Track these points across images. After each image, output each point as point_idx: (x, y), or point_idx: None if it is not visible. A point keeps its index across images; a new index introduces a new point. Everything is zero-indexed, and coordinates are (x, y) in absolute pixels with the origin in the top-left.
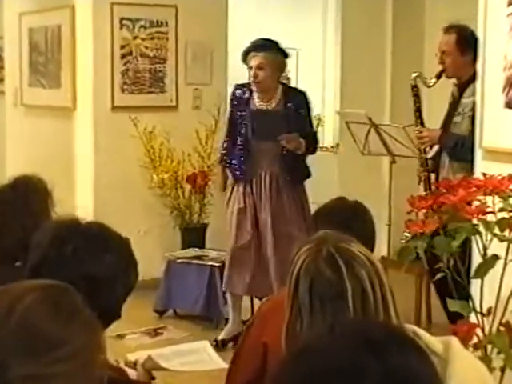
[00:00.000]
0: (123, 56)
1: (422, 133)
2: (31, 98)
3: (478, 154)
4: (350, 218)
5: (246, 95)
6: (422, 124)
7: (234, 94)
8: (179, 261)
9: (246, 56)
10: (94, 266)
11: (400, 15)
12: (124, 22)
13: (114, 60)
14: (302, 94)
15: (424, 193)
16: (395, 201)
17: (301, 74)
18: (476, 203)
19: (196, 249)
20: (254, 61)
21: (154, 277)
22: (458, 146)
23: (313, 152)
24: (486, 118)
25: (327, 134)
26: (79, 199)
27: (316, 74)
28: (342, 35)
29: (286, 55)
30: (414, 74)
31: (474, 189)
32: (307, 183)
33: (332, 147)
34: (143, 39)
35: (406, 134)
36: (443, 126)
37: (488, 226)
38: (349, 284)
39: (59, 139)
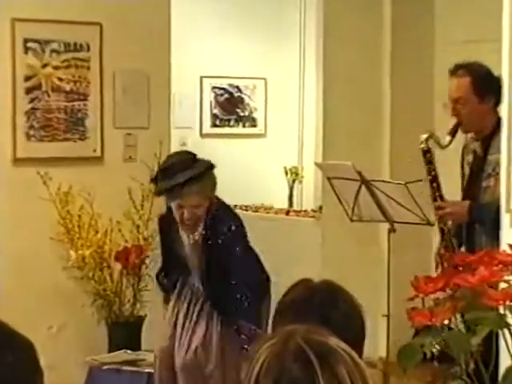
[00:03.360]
0: (29, 90)
1: (444, 209)
2: None
3: (505, 221)
4: (322, 306)
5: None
6: (442, 197)
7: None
8: (106, 367)
9: (170, 192)
10: None
11: (401, 38)
12: (30, 44)
13: (17, 96)
14: (229, 221)
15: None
16: (395, 283)
17: (271, 110)
18: (503, 285)
19: (128, 351)
20: (189, 200)
21: None
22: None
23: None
24: None
25: (306, 194)
26: None
27: (291, 112)
28: (324, 64)
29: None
30: (424, 136)
31: (500, 266)
32: (281, 257)
33: (313, 211)
34: (56, 68)
35: (409, 193)
36: (466, 193)
37: None
38: None
39: None
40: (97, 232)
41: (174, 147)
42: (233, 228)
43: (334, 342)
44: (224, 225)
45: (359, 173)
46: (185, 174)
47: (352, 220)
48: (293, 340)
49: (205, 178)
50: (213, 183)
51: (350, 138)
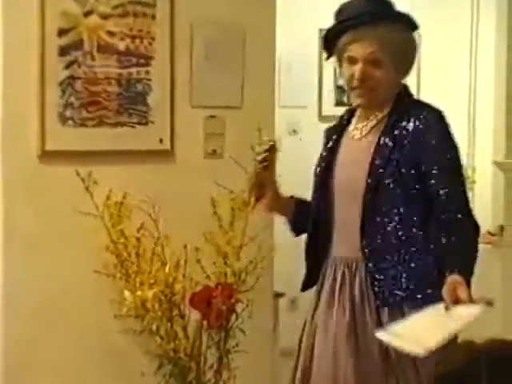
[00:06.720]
0: (65, 50)
1: None
2: None
3: None
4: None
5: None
6: None
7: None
8: None
9: (336, 37)
10: None
11: None
12: None
13: (46, 58)
14: (436, 112)
15: None
16: None
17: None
18: None
19: None
20: (362, 47)
21: None
22: None
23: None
24: None
25: (482, 209)
26: None
27: (459, 88)
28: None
29: (415, 28)
30: None
31: None
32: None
33: (491, 234)
34: (105, 17)
35: None
36: None
37: None
38: None
39: None
40: (164, 263)
41: (280, 135)
42: (428, 116)
43: None
44: (417, 112)
45: None
46: (367, 11)
47: None
48: None
49: (398, 27)
50: (412, 48)
51: None
